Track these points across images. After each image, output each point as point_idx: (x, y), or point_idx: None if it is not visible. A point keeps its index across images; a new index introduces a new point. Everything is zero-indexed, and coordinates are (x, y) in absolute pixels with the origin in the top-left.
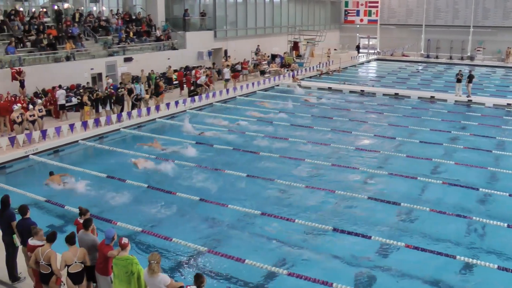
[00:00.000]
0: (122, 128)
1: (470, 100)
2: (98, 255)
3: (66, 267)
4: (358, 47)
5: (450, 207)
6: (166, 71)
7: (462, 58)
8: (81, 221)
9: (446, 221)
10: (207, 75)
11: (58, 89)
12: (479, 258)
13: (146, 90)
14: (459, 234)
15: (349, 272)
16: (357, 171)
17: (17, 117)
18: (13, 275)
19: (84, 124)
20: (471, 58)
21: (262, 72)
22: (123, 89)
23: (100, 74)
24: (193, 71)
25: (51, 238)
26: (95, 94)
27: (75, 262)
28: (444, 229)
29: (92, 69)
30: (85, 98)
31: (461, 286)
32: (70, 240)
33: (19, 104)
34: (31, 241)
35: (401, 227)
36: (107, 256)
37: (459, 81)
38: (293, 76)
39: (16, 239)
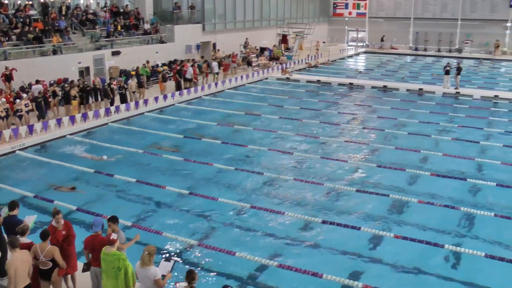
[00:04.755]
0: (110, 122)
1: (458, 92)
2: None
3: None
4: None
5: (438, 198)
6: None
7: (450, 51)
8: (54, 223)
9: (434, 212)
10: (192, 66)
11: (34, 84)
12: (467, 247)
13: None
14: (447, 224)
15: (339, 263)
16: (346, 164)
17: (1, 111)
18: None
19: (72, 119)
20: (459, 50)
21: (249, 63)
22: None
23: (87, 68)
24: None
25: (43, 236)
26: (79, 86)
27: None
28: (433, 220)
29: (79, 62)
30: (74, 92)
31: (449, 274)
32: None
33: (3, 99)
34: (23, 239)
35: (390, 218)
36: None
37: (447, 73)
38: (282, 69)
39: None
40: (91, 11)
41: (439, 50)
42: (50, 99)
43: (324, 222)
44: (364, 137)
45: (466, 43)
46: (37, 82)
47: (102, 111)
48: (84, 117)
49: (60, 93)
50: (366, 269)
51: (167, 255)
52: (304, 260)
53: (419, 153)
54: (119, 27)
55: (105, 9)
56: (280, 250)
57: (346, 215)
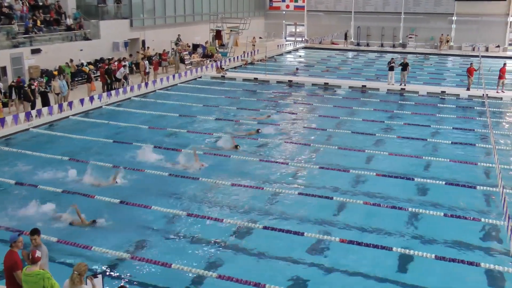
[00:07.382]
0: (32, 128)
1: (403, 89)
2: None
3: None
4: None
5: (385, 199)
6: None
7: (394, 46)
8: None
9: (381, 214)
10: (124, 66)
11: None
12: (416, 249)
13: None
14: (395, 226)
15: (282, 272)
16: (287, 166)
17: None
18: None
19: None
20: (403, 45)
21: (182, 60)
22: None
23: (4, 68)
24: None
25: None
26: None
27: None
28: (380, 222)
29: None
30: None
31: (399, 277)
32: None
33: None
34: None
35: (334, 221)
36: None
37: (391, 69)
38: (217, 67)
39: None
40: (5, 4)
41: (382, 45)
42: None
43: (265, 228)
44: (305, 137)
45: (410, 37)
46: None
47: (22, 115)
48: (2, 122)
49: None
50: (311, 277)
51: (93, 272)
52: (245, 270)
53: (363, 153)
54: (38, 22)
55: (22, 2)
56: (219, 259)
57: (288, 220)
